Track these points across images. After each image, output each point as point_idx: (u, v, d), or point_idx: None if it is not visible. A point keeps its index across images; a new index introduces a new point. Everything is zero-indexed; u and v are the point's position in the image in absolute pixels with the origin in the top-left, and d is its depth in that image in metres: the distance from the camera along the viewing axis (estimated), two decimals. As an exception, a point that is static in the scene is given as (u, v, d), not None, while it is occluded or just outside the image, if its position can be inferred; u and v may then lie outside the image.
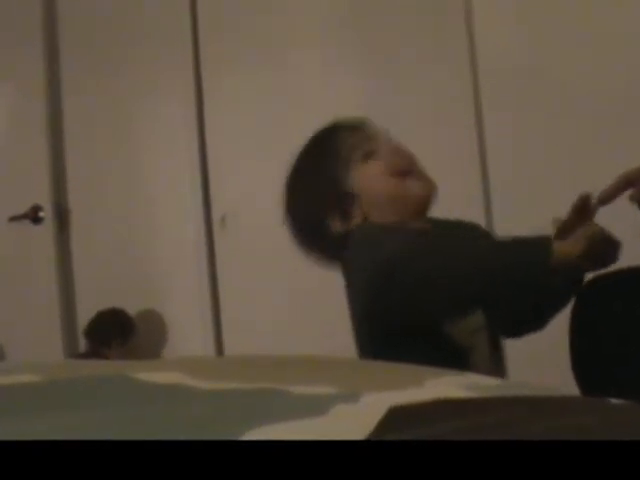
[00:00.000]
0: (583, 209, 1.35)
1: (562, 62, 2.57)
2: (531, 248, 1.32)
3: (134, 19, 3.44)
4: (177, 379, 0.78)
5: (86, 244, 3.53)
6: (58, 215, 3.51)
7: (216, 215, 3.22)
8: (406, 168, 1.57)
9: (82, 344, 3.40)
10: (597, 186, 1.34)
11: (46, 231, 3.50)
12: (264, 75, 3.11)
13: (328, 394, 0.72)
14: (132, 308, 3.36)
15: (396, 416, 0.64)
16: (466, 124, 2.70)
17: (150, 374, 0.80)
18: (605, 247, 1.33)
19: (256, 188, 2.92)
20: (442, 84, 2.76)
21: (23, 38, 3.56)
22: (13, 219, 3.54)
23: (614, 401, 0.75)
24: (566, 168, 2.53)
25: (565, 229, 1.34)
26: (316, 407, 0.66)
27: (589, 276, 1.45)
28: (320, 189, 1.57)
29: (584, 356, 1.48)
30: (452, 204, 1.91)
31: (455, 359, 1.46)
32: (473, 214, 1.89)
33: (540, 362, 2.23)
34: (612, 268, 1.40)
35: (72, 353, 3.46)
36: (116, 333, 3.27)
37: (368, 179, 1.56)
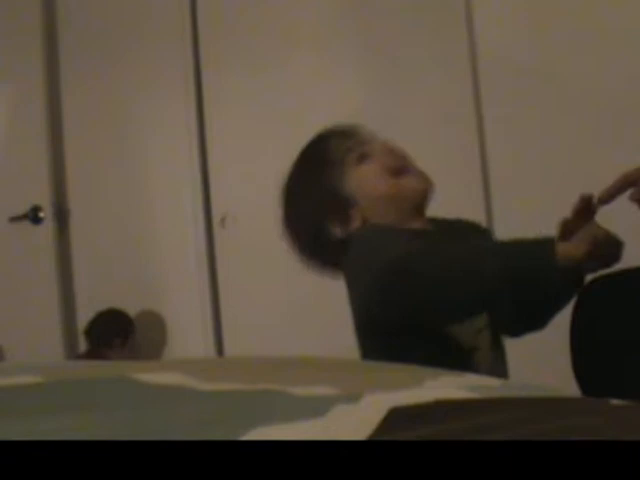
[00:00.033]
0: (585, 210, 1.35)
1: (562, 63, 2.57)
2: (535, 250, 1.31)
3: (134, 20, 3.44)
4: (178, 380, 0.78)
5: (86, 244, 3.53)
6: (58, 215, 3.51)
7: (216, 215, 3.22)
8: (400, 166, 1.58)
9: (82, 344, 3.40)
10: (597, 186, 1.34)
11: (46, 231, 3.50)
12: (264, 76, 3.11)
13: (328, 395, 0.72)
14: (132, 308, 3.36)
15: (396, 417, 0.64)
16: (467, 125, 2.70)
17: (150, 375, 0.80)
18: (608, 248, 1.33)
19: (256, 188, 2.92)
20: (442, 85, 2.76)
21: (23, 39, 3.56)
22: (13, 219, 3.54)
23: (615, 401, 0.75)
24: (566, 168, 2.53)
25: (567, 230, 1.34)
26: (316, 408, 0.66)
27: (590, 276, 1.45)
28: (317, 196, 1.57)
29: (585, 356, 1.48)
30: (453, 204, 1.91)
31: (459, 360, 1.46)
32: (474, 214, 1.89)
33: (541, 362, 2.24)
34: (613, 268, 1.40)
35: (72, 353, 3.46)
36: (116, 333, 3.27)
37: (364, 181, 1.56)
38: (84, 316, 3.39)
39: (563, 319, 1.49)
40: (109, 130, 3.49)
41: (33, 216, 3.50)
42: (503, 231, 2.52)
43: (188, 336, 3.32)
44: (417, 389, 0.78)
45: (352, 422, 0.64)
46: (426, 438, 0.59)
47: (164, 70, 3.33)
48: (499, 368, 1.55)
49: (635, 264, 1.44)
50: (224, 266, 3.21)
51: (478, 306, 1.46)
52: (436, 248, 1.47)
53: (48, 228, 3.50)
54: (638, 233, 1.46)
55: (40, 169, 3.50)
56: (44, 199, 3.50)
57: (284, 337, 2.97)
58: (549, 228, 1.39)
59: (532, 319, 1.56)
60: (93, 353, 3.24)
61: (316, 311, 2.86)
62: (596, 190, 1.34)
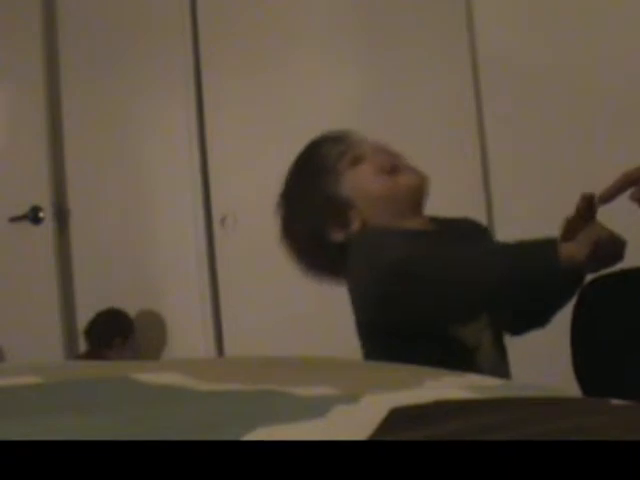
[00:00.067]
0: (586, 209, 1.35)
1: (563, 62, 2.57)
2: (538, 252, 1.32)
3: (134, 20, 3.44)
4: (177, 381, 0.78)
5: (86, 245, 3.53)
6: (58, 216, 3.51)
7: (216, 215, 3.22)
8: (394, 164, 1.59)
9: (82, 344, 3.40)
10: (598, 185, 1.34)
11: (46, 232, 3.49)
12: (265, 76, 3.11)
13: (328, 395, 0.72)
14: (132, 308, 3.36)
15: (397, 417, 0.64)
16: (467, 124, 2.70)
17: (150, 375, 0.80)
18: (611, 248, 1.33)
19: (256, 188, 2.92)
20: (443, 84, 2.76)
21: (23, 39, 3.56)
22: (13, 220, 3.53)
23: (615, 401, 0.75)
24: (567, 168, 2.53)
25: (570, 230, 1.34)
26: (316, 408, 0.66)
27: (590, 276, 1.45)
28: (314, 203, 1.58)
29: (585, 356, 1.48)
30: (453, 204, 1.91)
31: (461, 359, 1.46)
32: (474, 214, 1.88)
33: (541, 362, 2.23)
34: (614, 267, 1.40)
35: (72, 353, 3.46)
36: (116, 333, 3.27)
37: (359, 182, 1.57)
38: (84, 316, 3.39)
39: (564, 319, 1.49)
40: (109, 130, 3.49)
41: (33, 216, 3.50)
42: (504, 230, 2.52)
43: (188, 336, 3.32)
44: (417, 389, 0.78)
45: (352, 422, 0.63)
46: (427, 438, 0.59)
47: (164, 70, 3.33)
48: (501, 367, 1.56)
49: (635, 264, 1.44)
50: (224, 266, 3.21)
51: (481, 308, 1.47)
52: (438, 249, 1.47)
53: (48, 228, 3.50)
54: (638, 233, 1.46)
55: (40, 169, 3.50)
56: (44, 199, 3.50)
57: (284, 337, 2.97)
58: (550, 227, 1.39)
59: (533, 317, 1.56)
60: (93, 353, 3.24)
61: (316, 311, 2.86)
62: (597, 189, 1.34)
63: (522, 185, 2.63)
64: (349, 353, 1.34)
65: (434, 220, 1.62)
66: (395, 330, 1.45)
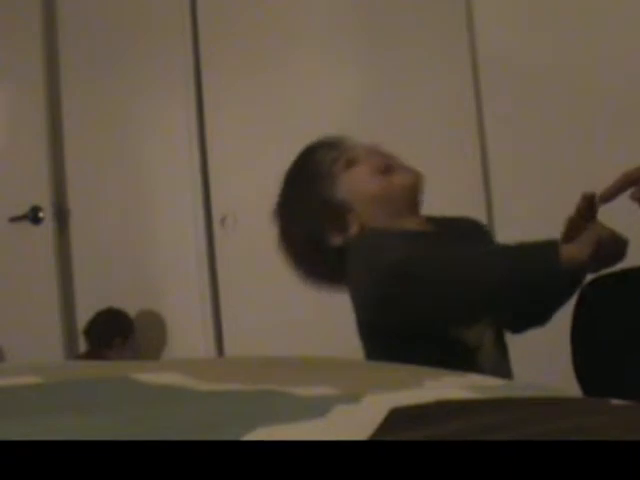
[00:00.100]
0: (587, 209, 1.35)
1: (563, 62, 2.57)
2: (539, 255, 1.32)
3: (134, 20, 3.44)
4: (178, 381, 0.78)
5: (86, 244, 3.53)
6: (58, 216, 3.51)
7: (216, 215, 3.21)
8: (388, 165, 1.59)
9: (82, 344, 3.39)
10: (598, 185, 1.34)
11: (46, 232, 3.49)
12: (265, 76, 3.10)
13: (329, 395, 0.72)
14: (132, 308, 3.36)
15: (397, 417, 0.64)
16: (467, 124, 2.70)
17: (150, 376, 0.80)
18: (612, 247, 1.34)
19: (256, 188, 2.91)
20: (443, 84, 2.76)
21: (23, 39, 3.56)
22: (13, 220, 3.53)
23: (616, 402, 0.75)
24: (567, 167, 2.52)
25: (571, 230, 1.34)
26: (317, 408, 0.66)
27: (591, 276, 1.45)
28: (312, 209, 1.59)
29: (586, 356, 1.48)
30: (454, 203, 1.91)
31: (463, 360, 1.46)
32: (475, 214, 1.88)
33: (541, 362, 2.23)
34: (615, 267, 1.40)
35: (72, 353, 3.46)
36: (115, 333, 3.26)
37: (355, 184, 1.58)
38: (84, 316, 3.38)
39: (564, 319, 1.49)
40: (109, 130, 3.48)
41: (33, 216, 3.50)
42: (504, 230, 2.52)
43: (188, 336, 3.32)
44: (418, 389, 0.78)
45: (353, 422, 0.63)
46: (427, 438, 0.59)
47: (164, 70, 3.33)
48: (503, 366, 1.56)
49: (636, 264, 1.44)
50: (224, 266, 3.21)
51: (483, 311, 1.47)
52: (437, 251, 1.47)
53: (48, 228, 3.49)
54: (639, 232, 1.46)
55: (40, 169, 3.50)
56: (44, 199, 3.50)
57: (284, 337, 2.96)
58: (550, 227, 1.39)
59: (534, 316, 1.56)
60: (93, 353, 3.24)
61: (316, 311, 2.85)
62: (597, 189, 1.34)
63: (522, 185, 2.63)
64: (349, 353, 1.34)
65: (432, 219, 1.62)
66: (396, 331, 1.45)
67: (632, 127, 2.43)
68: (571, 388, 1.38)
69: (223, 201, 3.21)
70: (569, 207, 1.38)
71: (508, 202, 2.65)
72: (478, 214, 2.23)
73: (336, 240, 1.56)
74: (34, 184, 3.53)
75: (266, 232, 1.67)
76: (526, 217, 2.55)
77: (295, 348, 2.12)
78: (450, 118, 2.73)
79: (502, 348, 1.59)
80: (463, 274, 1.38)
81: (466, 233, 1.64)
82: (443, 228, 1.60)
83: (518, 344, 1.66)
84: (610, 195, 1.32)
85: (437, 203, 1.62)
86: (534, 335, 1.61)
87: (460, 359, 1.45)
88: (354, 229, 1.55)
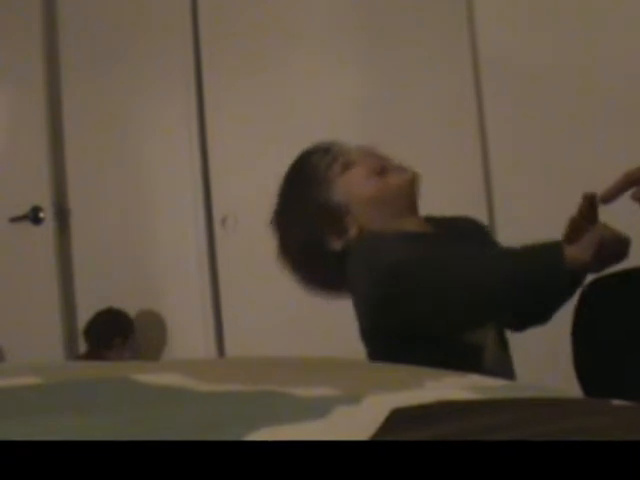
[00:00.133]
0: (589, 209, 1.35)
1: (564, 62, 2.57)
2: (544, 256, 1.32)
3: (134, 20, 3.44)
4: (178, 381, 0.77)
5: (86, 245, 3.53)
6: (58, 216, 3.51)
7: (217, 216, 3.21)
8: (383, 166, 1.60)
9: (82, 345, 3.39)
10: (599, 185, 1.34)
11: (46, 232, 3.49)
12: (266, 76, 3.10)
13: (329, 396, 0.72)
14: (132, 308, 3.36)
15: (399, 418, 0.63)
16: (468, 124, 2.70)
17: (151, 376, 0.80)
18: (615, 247, 1.34)
19: (257, 189, 2.91)
20: (444, 84, 2.76)
21: (23, 39, 3.56)
22: (14, 220, 3.53)
23: (617, 402, 0.75)
24: (568, 168, 2.52)
25: (573, 230, 1.34)
26: (317, 409, 0.66)
27: (591, 276, 1.45)
28: (310, 214, 1.59)
29: (587, 356, 1.48)
30: (454, 203, 1.91)
31: (468, 361, 1.46)
32: (475, 214, 1.88)
33: (542, 362, 2.23)
34: (616, 267, 1.40)
35: (72, 354, 3.46)
36: (115, 333, 3.26)
37: (351, 186, 1.58)
38: (84, 316, 3.38)
39: (565, 319, 1.49)
40: (109, 130, 3.48)
41: (33, 216, 3.50)
42: (505, 230, 2.52)
43: (188, 336, 3.31)
44: (419, 390, 0.78)
45: (354, 423, 0.63)
46: (429, 439, 0.59)
47: (165, 70, 3.33)
48: (506, 367, 1.56)
49: (637, 264, 1.44)
50: (225, 266, 3.21)
51: (488, 315, 1.47)
52: (439, 253, 1.47)
53: (48, 228, 3.49)
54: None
55: (40, 169, 3.50)
56: (44, 199, 3.50)
57: (285, 337, 2.96)
58: (551, 227, 1.39)
59: (535, 315, 1.56)
60: (93, 354, 3.24)
61: (317, 312, 2.85)
62: (598, 189, 1.34)
63: (523, 185, 2.63)
64: (350, 353, 1.33)
65: (431, 219, 1.62)
66: (398, 333, 1.44)
67: (633, 127, 2.43)
68: (572, 388, 1.38)
69: (224, 201, 3.20)
70: (570, 207, 1.38)
71: (509, 202, 2.65)
72: (479, 214, 2.22)
73: (336, 245, 1.56)
74: (34, 184, 3.53)
75: (267, 233, 1.67)
76: (527, 217, 2.55)
77: (295, 348, 2.12)
78: (451, 118, 2.73)
79: (504, 346, 1.59)
80: (467, 277, 1.38)
81: (465, 233, 1.64)
82: (442, 228, 1.60)
83: (520, 345, 1.66)
84: (611, 196, 1.32)
85: (438, 203, 1.62)
86: (535, 336, 1.61)
87: (465, 360, 1.45)
88: (353, 232, 1.56)
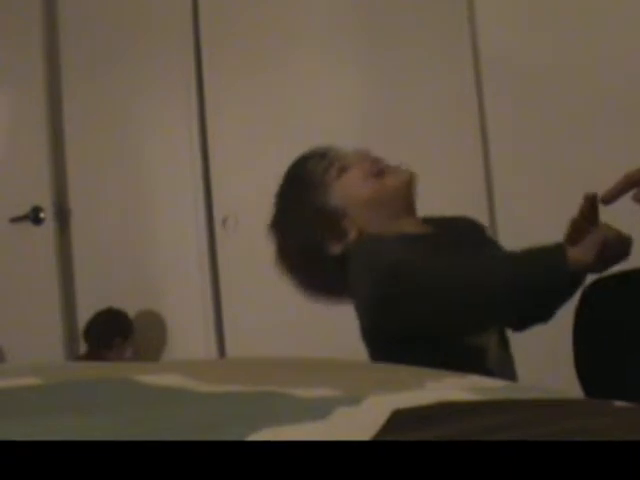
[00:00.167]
0: (590, 210, 1.34)
1: (565, 62, 2.56)
2: (548, 260, 1.32)
3: (134, 20, 3.44)
4: (178, 382, 0.77)
5: (87, 245, 3.53)
6: (58, 216, 3.51)
7: (218, 216, 3.21)
8: (379, 168, 1.60)
9: (82, 345, 3.39)
10: (600, 186, 1.34)
11: (47, 232, 3.49)
12: (266, 77, 3.10)
13: (330, 397, 0.72)
14: (132, 308, 3.36)
15: (400, 419, 0.63)
16: (469, 124, 2.70)
17: (151, 377, 0.80)
18: (618, 247, 1.34)
19: (258, 189, 2.91)
20: (445, 84, 2.75)
21: (23, 39, 3.56)
22: (14, 220, 3.53)
23: (619, 403, 0.75)
24: (569, 168, 2.52)
25: (575, 232, 1.34)
26: (318, 410, 0.66)
27: (592, 276, 1.45)
28: (308, 219, 1.59)
29: (588, 357, 1.48)
30: (455, 204, 1.91)
31: (471, 362, 1.45)
32: (476, 214, 1.88)
33: (543, 363, 2.23)
34: (617, 268, 1.40)
35: (72, 354, 3.46)
36: (115, 333, 3.26)
37: (349, 189, 1.59)
38: (84, 316, 3.38)
39: (566, 320, 1.49)
40: (110, 130, 3.48)
41: (34, 217, 3.50)
42: (506, 231, 2.52)
43: (188, 337, 3.31)
44: (419, 391, 0.78)
45: (355, 424, 0.63)
46: (430, 439, 0.59)
47: (165, 71, 3.33)
48: (508, 368, 1.56)
49: (638, 265, 1.44)
50: (225, 267, 3.21)
51: (491, 319, 1.47)
52: (439, 257, 1.47)
53: (49, 228, 3.49)
54: (640, 233, 1.46)
55: (41, 170, 3.50)
56: (45, 200, 3.50)
57: (285, 338, 2.96)
58: (551, 227, 1.38)
59: (536, 315, 1.56)
60: (93, 354, 3.24)
61: (318, 312, 2.85)
62: (599, 190, 1.34)
63: (524, 185, 2.63)
64: (351, 354, 1.33)
65: (429, 220, 1.62)
66: (399, 334, 1.44)
67: (633, 127, 2.43)
68: (573, 389, 1.38)
69: (224, 201, 3.20)
70: (570, 207, 1.38)
71: (509, 202, 2.65)
72: (479, 214, 2.22)
73: (335, 248, 1.56)
74: (35, 184, 3.52)
75: (267, 233, 1.67)
76: (527, 217, 2.55)
77: (296, 349, 2.12)
78: (451, 118, 2.73)
79: (505, 346, 1.59)
80: (467, 279, 1.38)
81: (464, 233, 1.64)
82: (441, 229, 1.60)
83: (520, 345, 1.66)
84: (612, 197, 1.32)
85: (438, 203, 1.62)
86: (536, 336, 1.61)
87: (467, 362, 1.45)
88: (352, 235, 1.56)
